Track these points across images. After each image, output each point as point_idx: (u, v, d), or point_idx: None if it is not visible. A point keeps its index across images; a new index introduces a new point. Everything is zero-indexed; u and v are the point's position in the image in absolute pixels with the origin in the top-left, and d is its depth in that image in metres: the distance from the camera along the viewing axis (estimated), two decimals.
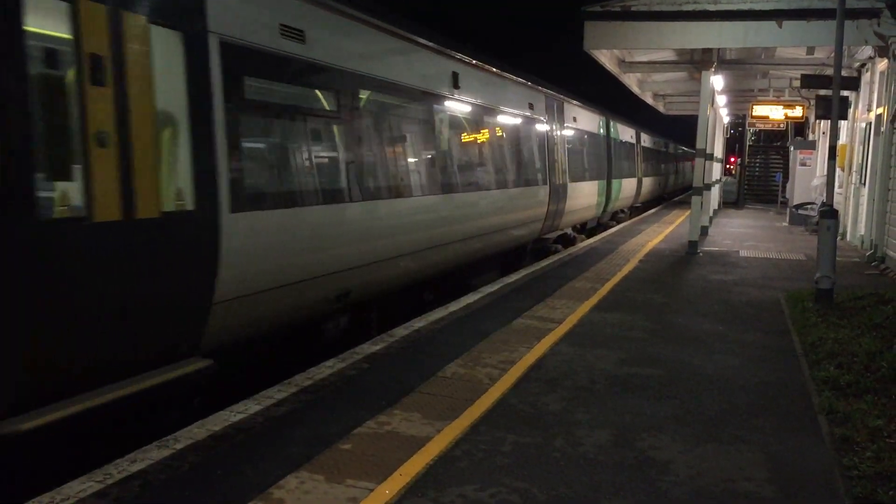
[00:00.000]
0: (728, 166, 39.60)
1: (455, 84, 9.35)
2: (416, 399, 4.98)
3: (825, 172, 11.13)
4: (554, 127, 14.02)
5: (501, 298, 8.65)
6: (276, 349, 6.41)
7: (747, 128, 30.86)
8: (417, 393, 5.11)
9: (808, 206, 19.44)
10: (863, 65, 15.38)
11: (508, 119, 11.58)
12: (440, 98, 8.93)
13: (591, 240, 15.74)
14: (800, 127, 27.96)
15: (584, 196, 16.36)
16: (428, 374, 5.55)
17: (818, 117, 15.93)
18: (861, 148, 15.14)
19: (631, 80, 19.37)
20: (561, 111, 14.63)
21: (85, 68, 4.00)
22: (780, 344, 6.79)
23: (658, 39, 12.64)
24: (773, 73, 19.51)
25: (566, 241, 15.65)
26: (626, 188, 21.83)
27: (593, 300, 8.60)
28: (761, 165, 34.79)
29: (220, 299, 5.04)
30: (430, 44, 8.73)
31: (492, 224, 10.54)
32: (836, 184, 11.71)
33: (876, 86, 13.71)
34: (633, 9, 12.32)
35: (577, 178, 15.50)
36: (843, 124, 15.92)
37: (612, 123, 19.92)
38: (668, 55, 16.24)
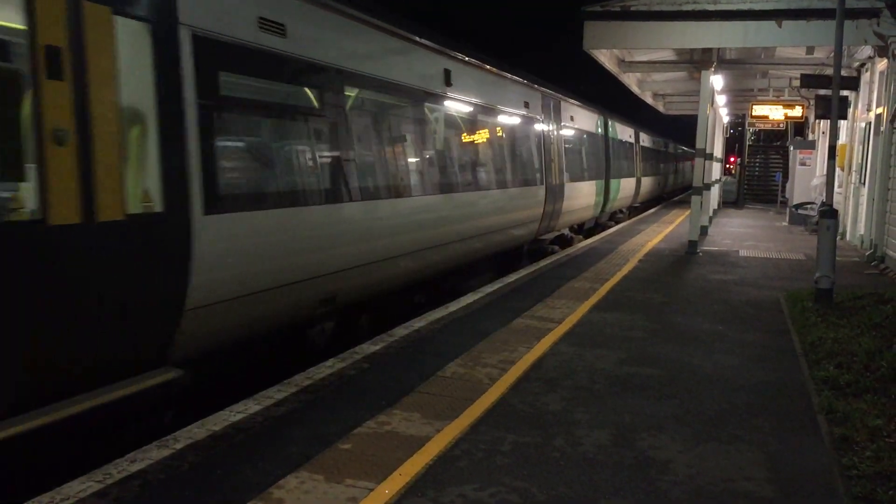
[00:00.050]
0: (728, 166, 39.62)
1: (447, 82, 9.16)
2: (415, 399, 4.98)
3: (825, 172, 11.13)
4: (550, 126, 13.89)
5: (501, 298, 8.65)
6: (259, 356, 6.21)
7: (747, 127, 30.86)
8: (417, 393, 5.11)
9: (808, 206, 19.44)
10: (862, 64, 15.39)
11: (503, 118, 11.41)
12: (431, 96, 8.73)
13: (591, 240, 15.69)
14: (799, 127, 27.97)
15: (582, 196, 16.22)
16: (428, 373, 5.55)
17: (818, 117, 15.96)
18: (861, 148, 15.14)
19: (631, 80, 19.37)
20: (558, 110, 14.51)
21: (40, 61, 3.76)
22: (779, 343, 6.80)
23: (658, 39, 12.65)
24: (772, 72, 19.51)
25: (563, 241, 15.53)
26: (625, 188, 21.71)
27: (593, 300, 8.60)
28: (761, 165, 34.81)
29: (192, 306, 4.82)
30: (422, 40, 8.55)
31: (486, 225, 10.37)
32: (836, 183, 11.71)
33: (875, 85, 13.72)
34: (632, 8, 12.31)
35: (574, 178, 15.38)
36: (842, 124, 15.94)
37: (610, 122, 19.82)
38: (667, 55, 16.24)
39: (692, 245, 13.21)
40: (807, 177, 20.84)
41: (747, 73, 19.37)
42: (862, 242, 14.06)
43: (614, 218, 21.73)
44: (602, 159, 18.57)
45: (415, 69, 8.27)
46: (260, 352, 6.18)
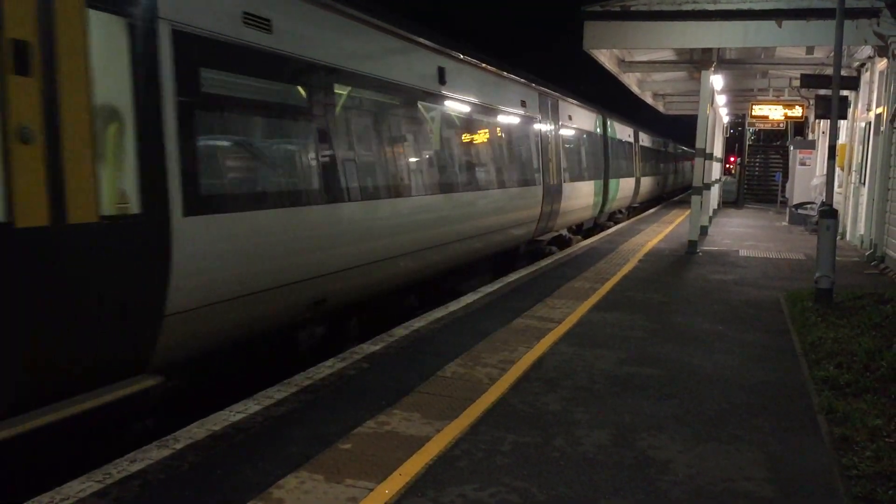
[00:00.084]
0: (728, 166, 39.62)
1: (441, 80, 8.99)
2: (415, 399, 4.98)
3: (825, 172, 11.13)
4: (548, 125, 13.76)
5: (501, 298, 8.65)
6: (248, 360, 6.09)
7: (747, 127, 30.85)
8: (417, 393, 5.11)
9: (808, 206, 19.44)
10: (862, 64, 15.39)
11: (499, 117, 11.27)
12: (424, 94, 8.55)
13: (591, 239, 15.66)
14: (799, 126, 27.98)
15: (580, 196, 16.07)
16: (428, 373, 5.55)
17: (818, 117, 15.96)
18: (861, 147, 15.14)
19: (630, 80, 19.37)
20: (555, 109, 14.39)
21: (6, 56, 3.61)
22: (779, 343, 6.80)
23: (658, 39, 12.65)
24: (772, 72, 19.52)
25: (561, 242, 15.38)
26: (624, 188, 21.58)
27: (593, 300, 8.60)
28: (761, 165, 34.80)
29: (173, 311, 4.65)
30: (415, 37, 8.36)
31: (482, 226, 10.22)
32: (836, 183, 11.71)
33: (875, 85, 13.72)
34: (632, 8, 12.31)
35: (572, 178, 15.23)
36: (842, 124, 15.93)
37: (609, 122, 19.71)
38: (667, 55, 16.24)
39: (692, 245, 13.21)
40: (807, 177, 20.84)
41: (747, 73, 19.38)
42: (862, 242, 14.06)
43: (613, 218, 21.61)
44: (601, 159, 18.44)
45: (407, 67, 8.13)
46: (248, 356, 6.05)
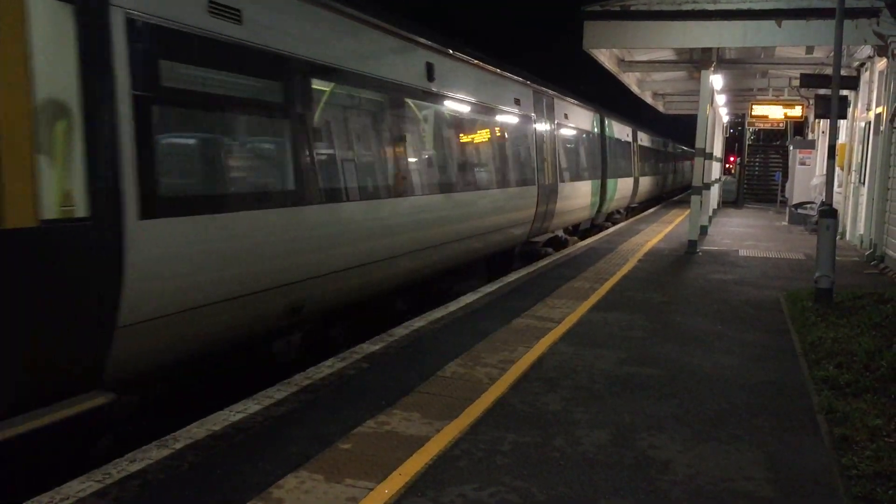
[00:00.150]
0: (727, 165, 39.63)
1: (429, 76, 8.66)
2: (415, 399, 4.98)
3: (824, 172, 11.13)
4: (543, 124, 13.49)
5: (500, 298, 8.65)
6: (219, 372, 5.80)
7: (747, 127, 30.84)
8: (417, 392, 5.11)
9: (808, 206, 19.44)
10: (862, 64, 15.39)
11: (491, 115, 10.97)
12: (410, 91, 8.20)
13: (590, 239, 15.63)
14: (799, 126, 27.99)
15: (577, 196, 15.85)
16: (427, 373, 5.55)
17: (817, 116, 15.97)
18: (860, 147, 15.15)
19: (630, 80, 19.37)
20: (551, 107, 14.15)
21: None
22: (779, 343, 6.80)
23: (657, 39, 12.65)
24: (772, 72, 19.52)
25: (557, 243, 15.03)
26: (622, 188, 21.39)
27: (592, 300, 8.60)
28: (761, 165, 34.80)
29: (127, 322, 4.33)
30: (401, 31, 7.98)
31: (473, 228, 9.93)
32: (836, 183, 11.73)
33: (875, 85, 13.72)
34: (632, 8, 12.31)
35: (568, 178, 15.01)
36: (842, 123, 15.94)
37: (606, 121, 19.49)
38: (667, 54, 16.25)
39: (692, 245, 13.21)
40: (806, 176, 20.84)
41: (747, 72, 19.38)
42: (861, 242, 14.07)
43: (611, 219, 21.40)
44: (598, 158, 18.21)
45: (392, 63, 7.81)
46: (219, 367, 5.78)
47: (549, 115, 14.00)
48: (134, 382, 4.81)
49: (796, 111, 21.88)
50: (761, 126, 28.83)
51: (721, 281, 10.25)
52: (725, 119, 28.09)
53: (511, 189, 11.45)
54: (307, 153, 6.16)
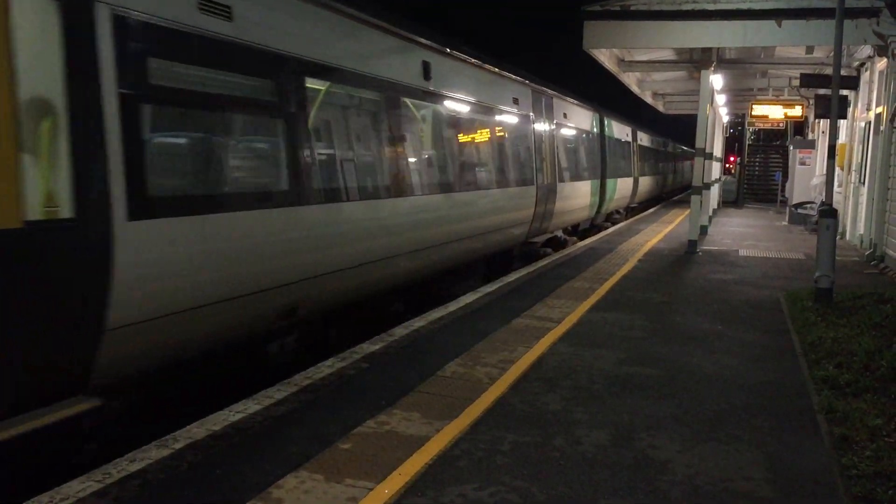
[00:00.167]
0: (727, 165, 39.63)
1: (426, 75, 8.55)
2: (415, 398, 4.98)
3: (824, 171, 11.13)
4: (542, 124, 13.38)
5: (500, 298, 8.65)
6: (212, 374, 5.70)
7: (747, 127, 30.86)
8: (417, 392, 5.11)
9: (808, 206, 19.45)
10: (862, 64, 15.39)
11: (489, 115, 10.85)
12: (408, 90, 8.10)
13: (590, 239, 15.61)
14: (799, 126, 27.99)
15: (576, 196, 15.72)
16: (427, 373, 5.55)
17: (817, 116, 15.98)
18: (860, 147, 15.15)
19: (630, 80, 19.36)
20: (550, 107, 14.04)
21: None
22: (779, 343, 6.80)
23: (657, 39, 12.64)
24: (772, 72, 19.52)
25: (556, 244, 14.94)
26: (622, 188, 21.29)
27: (592, 300, 8.60)
28: (761, 165, 34.80)
29: (115, 325, 4.23)
30: (398, 30, 7.86)
31: (471, 228, 9.80)
32: (836, 183, 11.73)
33: (875, 85, 13.72)
34: (632, 8, 12.31)
35: (567, 178, 14.91)
36: (842, 123, 15.94)
37: (606, 121, 19.40)
38: (667, 54, 16.25)
39: (692, 244, 13.21)
40: (806, 176, 20.85)
41: (747, 72, 19.38)
42: (861, 242, 14.07)
43: (611, 219, 21.32)
44: (597, 158, 18.12)
45: (388, 61, 7.69)
46: (213, 369, 5.68)
47: (548, 114, 13.91)
48: (122, 387, 4.71)
49: (796, 111, 21.88)
50: (761, 126, 28.86)
51: (721, 281, 10.25)
52: (725, 119, 28.10)
53: (509, 189, 11.34)
54: (301, 153, 6.06)
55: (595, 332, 7.00)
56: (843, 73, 11.87)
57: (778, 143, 36.28)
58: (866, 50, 13.73)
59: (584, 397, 5.11)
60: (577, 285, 9.57)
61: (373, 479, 3.73)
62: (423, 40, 8.55)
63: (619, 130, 21.59)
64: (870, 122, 14.08)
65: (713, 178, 20.40)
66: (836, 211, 8.97)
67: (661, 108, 27.13)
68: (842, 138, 16.23)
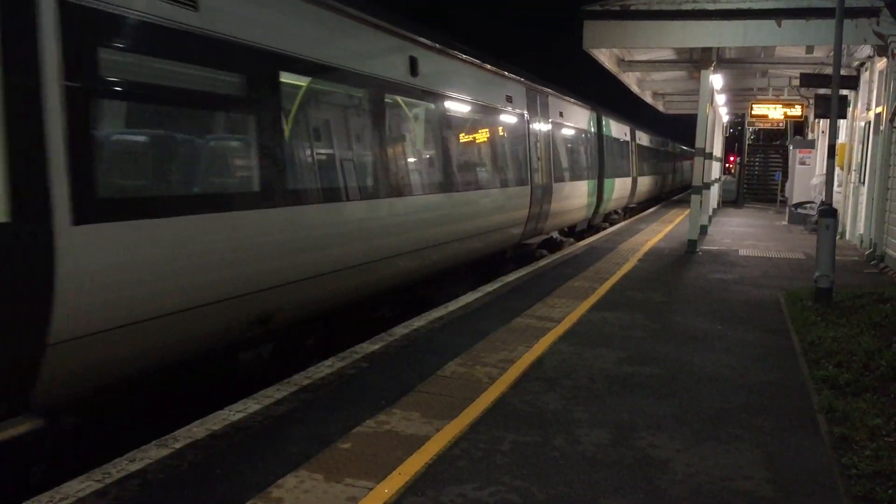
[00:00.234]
0: (727, 165, 39.64)
1: (413, 71, 8.21)
2: (415, 398, 4.98)
3: (824, 171, 11.14)
4: (537, 122, 13.09)
5: (500, 298, 8.65)
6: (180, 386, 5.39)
7: (746, 127, 30.87)
8: (416, 392, 5.11)
9: (808, 205, 19.45)
10: (862, 64, 15.39)
11: (481, 113, 10.53)
12: (393, 87, 7.74)
13: (589, 239, 15.58)
14: (799, 126, 27.98)
15: (572, 197, 15.45)
16: (427, 373, 5.55)
17: (817, 116, 15.99)
18: (860, 147, 15.15)
19: (630, 80, 19.36)
20: (545, 105, 13.80)
21: None
22: (779, 343, 6.80)
23: (657, 38, 12.64)
24: (772, 72, 19.53)
25: (552, 245, 14.65)
26: (620, 188, 21.06)
27: (592, 299, 8.60)
28: (760, 164, 34.79)
29: (59, 339, 3.89)
30: (382, 23, 7.48)
31: (461, 230, 9.45)
32: (836, 183, 11.73)
33: (875, 84, 13.72)
34: (632, 8, 12.31)
35: (563, 178, 14.66)
36: (842, 123, 15.94)
37: (604, 119, 19.15)
38: (667, 54, 16.25)
39: (692, 244, 13.22)
40: (806, 176, 20.85)
41: (747, 72, 19.39)
42: (861, 242, 14.07)
43: (609, 219, 21.12)
44: (595, 158, 17.88)
45: (371, 56, 7.33)
46: (180, 381, 5.37)
47: (544, 113, 13.68)
48: (71, 405, 4.38)
49: (796, 111, 21.89)
50: (761, 126, 28.85)
51: (721, 280, 10.25)
52: (725, 119, 28.10)
53: (502, 189, 11.06)
54: (272, 152, 5.69)
55: (595, 332, 7.00)
56: (843, 72, 11.88)
57: (778, 142, 36.27)
58: (866, 50, 13.74)
59: (585, 397, 5.11)
60: (578, 285, 9.57)
61: (372, 479, 3.73)
62: (410, 35, 8.22)
63: (618, 129, 21.40)
64: (870, 122, 14.08)
65: (713, 178, 20.38)
66: (835, 211, 8.98)
67: (660, 107, 27.14)
68: (842, 138, 16.22)
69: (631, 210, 25.20)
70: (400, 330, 6.88)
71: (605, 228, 19.11)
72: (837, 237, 9.87)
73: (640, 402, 5.05)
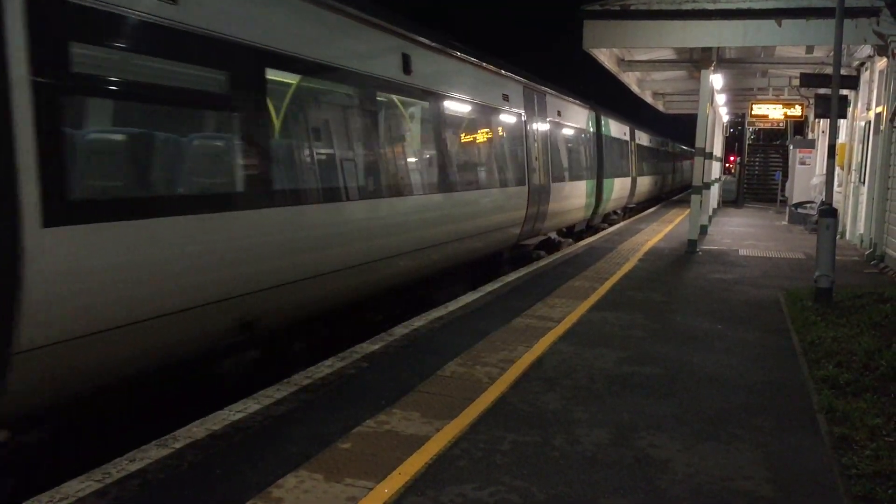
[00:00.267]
0: (727, 165, 39.64)
1: (406, 68, 8.01)
2: (415, 398, 4.98)
3: (824, 171, 11.14)
4: (534, 122, 12.90)
5: (500, 297, 8.65)
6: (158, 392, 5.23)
7: (747, 126, 30.88)
8: (417, 392, 5.11)
9: (808, 205, 19.45)
10: (862, 63, 15.39)
11: (477, 112, 10.32)
12: (384, 84, 7.54)
13: (590, 239, 15.57)
14: (799, 126, 28.01)
15: (571, 197, 15.18)
16: (427, 373, 5.55)
17: (817, 116, 15.97)
18: (860, 147, 15.15)
19: (630, 79, 19.36)
20: (543, 104, 13.55)
21: None
22: (779, 343, 6.80)
23: (657, 38, 12.64)
24: (772, 71, 19.53)
25: (550, 246, 14.53)
26: (619, 188, 20.92)
27: (592, 299, 8.60)
28: (761, 164, 34.82)
29: (27, 347, 3.73)
30: (374, 18, 7.28)
31: (455, 231, 9.23)
32: (836, 182, 11.73)
33: (875, 84, 13.72)
34: (632, 8, 12.31)
35: (561, 178, 14.51)
36: (842, 123, 15.94)
37: (602, 119, 18.99)
38: (667, 54, 16.24)
39: (692, 244, 13.21)
40: (806, 176, 20.85)
41: (747, 72, 19.38)
42: (861, 241, 14.07)
43: (608, 220, 21.00)
44: (594, 158, 17.74)
45: (361, 52, 7.13)
46: (158, 387, 5.18)
47: (541, 112, 13.51)
48: (39, 416, 4.26)
49: (796, 111, 21.90)
50: (761, 125, 28.88)
51: (721, 280, 10.25)
52: (725, 118, 28.10)
53: (498, 190, 10.89)
54: (256, 151, 5.50)
55: (595, 332, 7.00)
56: (843, 72, 11.88)
57: (778, 142, 36.30)
58: (866, 49, 13.73)
59: (585, 396, 5.11)
60: (578, 284, 9.57)
61: (372, 479, 3.73)
62: (403, 31, 7.99)
63: (617, 129, 21.26)
64: (870, 122, 14.08)
65: (713, 178, 20.36)
66: (835, 210, 8.97)
67: (660, 107, 27.14)
68: (842, 138, 16.23)
69: (630, 210, 25.15)
70: (400, 330, 6.88)
71: (603, 229, 19.03)
72: (837, 237, 9.87)
73: (640, 401, 5.05)
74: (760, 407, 5.01)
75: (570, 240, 16.26)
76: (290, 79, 6.08)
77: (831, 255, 8.57)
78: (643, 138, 26.95)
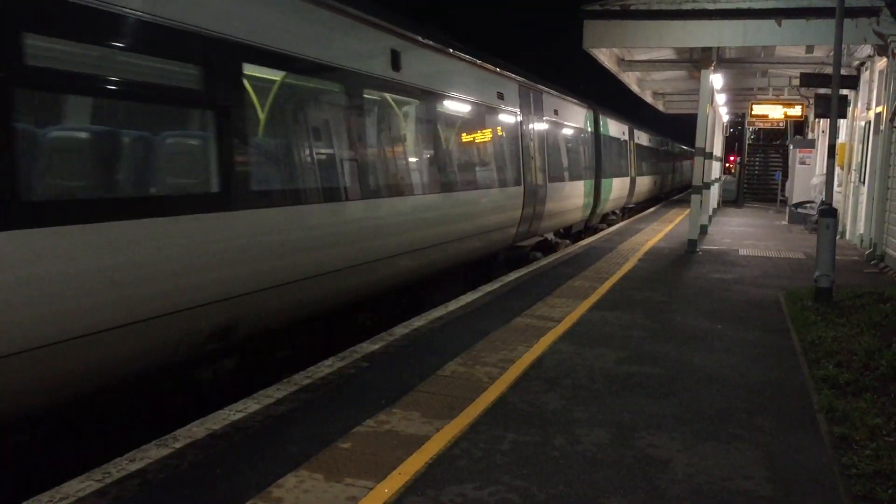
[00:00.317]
0: (727, 165, 39.64)
1: (395, 65, 7.77)
2: (415, 398, 4.98)
3: (824, 171, 11.14)
4: (530, 121, 12.68)
5: (500, 297, 8.65)
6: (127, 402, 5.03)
7: (747, 126, 30.86)
8: (417, 392, 5.11)
9: (808, 205, 19.45)
10: (862, 63, 15.39)
11: (470, 110, 10.09)
12: (371, 81, 7.30)
13: (589, 239, 15.55)
14: (799, 125, 28.00)
15: (568, 197, 14.97)
16: (427, 372, 5.55)
17: (817, 116, 15.97)
18: (860, 146, 15.15)
19: (630, 79, 19.36)
20: (539, 103, 13.29)
21: None
22: (779, 342, 6.80)
23: (657, 38, 12.63)
24: (772, 71, 19.52)
25: (547, 247, 14.33)
26: (617, 188, 20.74)
27: (592, 299, 8.60)
28: (761, 164, 34.83)
29: None
30: (360, 13, 7.07)
31: (447, 233, 9.01)
32: (836, 182, 11.74)
33: (875, 84, 13.72)
34: (632, 7, 12.31)
35: (559, 178, 14.20)
36: (842, 123, 15.95)
37: (601, 118, 18.81)
38: (667, 54, 16.24)
39: (692, 244, 13.21)
40: (806, 176, 20.85)
41: (747, 71, 19.38)
42: (861, 241, 14.07)
43: (606, 220, 20.82)
44: (592, 157, 17.57)
45: (347, 48, 6.88)
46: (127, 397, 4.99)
47: (538, 111, 13.30)
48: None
49: (796, 110, 21.90)
50: (761, 125, 28.87)
51: (721, 280, 10.25)
52: (725, 118, 28.10)
53: (493, 190, 10.68)
54: (234, 150, 5.23)
55: (595, 332, 7.00)
56: (843, 72, 11.87)
57: (778, 142, 36.30)
58: (866, 49, 13.73)
59: (585, 396, 5.11)
60: (578, 284, 9.57)
61: (372, 479, 3.73)
62: (391, 26, 7.74)
63: (615, 128, 21.10)
64: (870, 122, 14.08)
65: (713, 178, 20.34)
66: (835, 210, 8.98)
67: (660, 107, 27.13)
68: (842, 138, 16.23)
69: (629, 210, 25.09)
70: (400, 330, 6.88)
71: (602, 230, 18.91)
72: (837, 237, 9.87)
73: (640, 401, 5.05)
74: (760, 407, 5.01)
75: (568, 241, 16.11)
76: (277, 76, 5.87)
77: (831, 254, 8.57)
78: (642, 138, 26.89)
